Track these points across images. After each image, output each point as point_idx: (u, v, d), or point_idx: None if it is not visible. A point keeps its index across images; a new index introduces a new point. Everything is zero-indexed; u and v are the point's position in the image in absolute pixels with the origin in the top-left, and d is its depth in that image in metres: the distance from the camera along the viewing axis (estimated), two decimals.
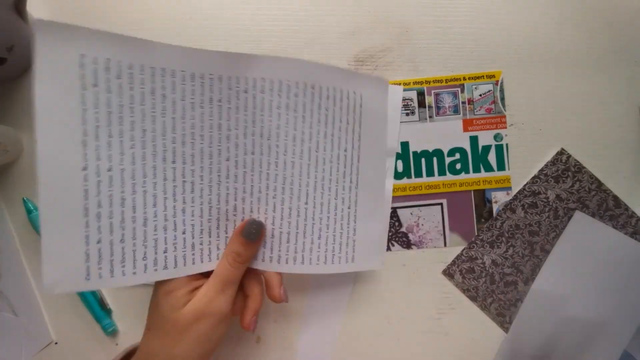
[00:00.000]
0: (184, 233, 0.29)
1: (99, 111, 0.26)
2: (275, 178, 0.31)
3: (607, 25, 0.40)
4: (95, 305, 0.37)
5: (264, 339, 0.39)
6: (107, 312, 0.38)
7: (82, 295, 0.37)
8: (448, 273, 0.39)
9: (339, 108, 0.32)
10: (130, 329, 0.38)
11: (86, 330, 0.38)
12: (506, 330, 0.39)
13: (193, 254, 0.29)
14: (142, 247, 0.28)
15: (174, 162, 0.28)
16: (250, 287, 0.31)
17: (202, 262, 0.30)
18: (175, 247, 0.29)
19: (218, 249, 0.30)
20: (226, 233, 0.31)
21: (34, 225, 0.37)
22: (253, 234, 0.30)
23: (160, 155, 0.28)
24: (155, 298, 0.29)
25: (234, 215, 0.31)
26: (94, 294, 0.37)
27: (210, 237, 0.30)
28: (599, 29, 0.40)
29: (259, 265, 0.31)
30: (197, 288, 0.29)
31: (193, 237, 0.29)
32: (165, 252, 0.28)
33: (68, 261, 0.26)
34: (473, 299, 0.39)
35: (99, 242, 0.26)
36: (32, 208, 0.37)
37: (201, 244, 0.30)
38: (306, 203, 0.32)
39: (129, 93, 0.27)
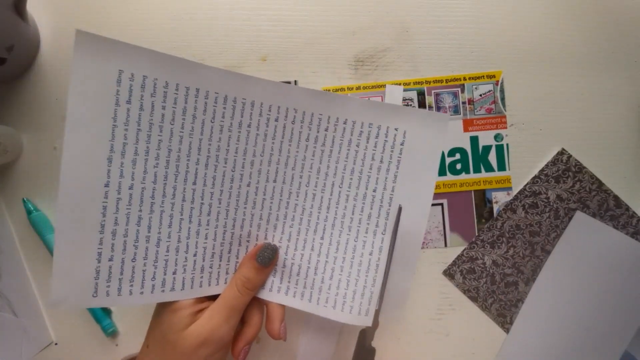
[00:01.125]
0: (195, 255, 0.29)
1: (129, 128, 0.26)
2: (294, 208, 0.31)
3: (607, 25, 0.40)
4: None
5: (264, 339, 0.39)
6: (107, 312, 0.38)
7: None
8: (448, 273, 0.39)
9: (372, 145, 0.30)
10: (130, 330, 0.38)
11: (86, 331, 0.38)
12: (507, 330, 0.39)
13: (201, 277, 0.29)
14: (152, 267, 0.27)
15: (194, 183, 0.28)
16: (250, 314, 0.30)
17: (209, 285, 0.29)
18: (184, 269, 0.28)
19: (227, 273, 0.30)
20: (237, 258, 0.30)
21: (34, 226, 0.37)
22: (267, 259, 0.29)
23: (182, 176, 0.28)
24: (158, 315, 0.28)
25: (247, 241, 0.31)
26: None
27: (220, 260, 0.30)
28: (599, 28, 0.40)
29: (266, 294, 0.31)
30: (201, 310, 0.28)
31: (203, 260, 0.29)
32: (174, 273, 0.28)
33: (78, 277, 0.25)
34: (474, 299, 0.39)
35: (110, 259, 0.26)
36: (32, 208, 0.37)
37: (211, 267, 0.29)
38: (322, 238, 0.31)
39: (161, 112, 0.26)
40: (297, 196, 0.31)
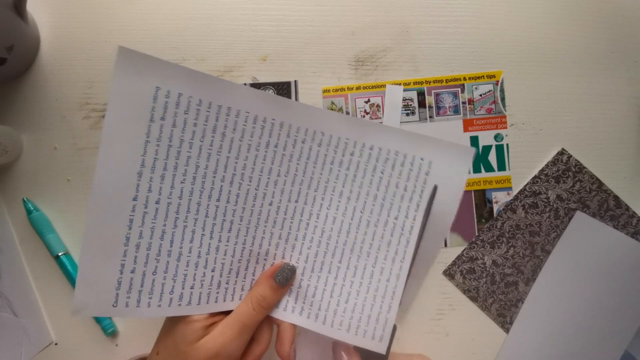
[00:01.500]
0: (212, 271, 0.29)
1: (160, 144, 0.26)
2: (313, 229, 0.31)
3: (607, 25, 0.40)
4: None
5: None
6: None
7: None
8: (448, 273, 0.39)
9: (397, 173, 0.30)
10: (130, 330, 0.38)
11: (86, 331, 0.38)
12: (507, 330, 0.39)
13: (217, 293, 0.29)
14: (171, 281, 0.28)
15: (218, 200, 0.28)
16: (260, 332, 0.30)
17: (224, 301, 0.30)
18: (202, 284, 0.29)
19: (242, 289, 0.30)
20: (253, 275, 0.31)
21: (34, 226, 0.37)
22: (285, 279, 0.30)
23: (207, 192, 0.28)
24: (170, 324, 0.29)
25: (265, 259, 0.31)
26: None
27: (237, 277, 0.30)
28: (599, 29, 0.40)
29: (279, 313, 0.31)
30: (214, 324, 0.28)
31: (221, 276, 0.29)
32: (192, 288, 0.28)
33: (100, 287, 0.26)
34: (474, 299, 0.39)
35: (132, 271, 0.27)
36: (31, 209, 0.37)
37: (227, 283, 0.30)
38: (339, 262, 0.31)
39: (192, 129, 0.27)
40: (318, 218, 0.31)
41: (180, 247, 0.28)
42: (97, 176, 0.25)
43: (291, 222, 0.31)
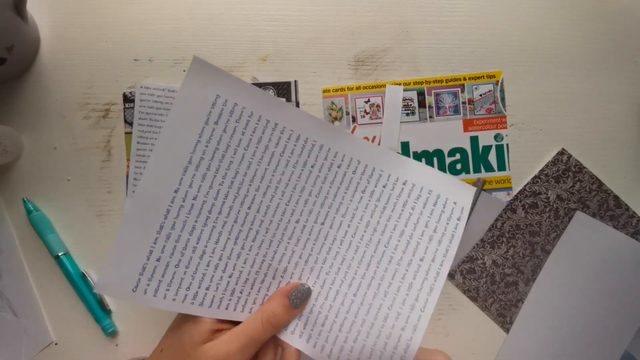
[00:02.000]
0: (230, 277, 0.29)
1: (209, 146, 0.28)
2: (335, 255, 0.31)
3: (607, 25, 0.40)
4: (95, 306, 0.37)
5: None
6: (107, 312, 0.38)
7: (82, 296, 0.37)
8: (448, 273, 0.39)
9: (428, 212, 0.30)
10: (130, 330, 0.38)
11: (86, 331, 0.38)
12: (507, 330, 0.39)
13: (230, 300, 0.29)
14: (190, 277, 0.28)
15: (249, 208, 0.29)
16: (264, 352, 0.29)
17: (235, 310, 0.30)
18: (217, 287, 0.29)
19: (254, 303, 0.30)
20: (267, 290, 0.31)
21: (34, 226, 0.37)
22: (299, 300, 0.29)
23: (240, 198, 0.29)
24: (178, 322, 0.29)
25: (282, 276, 0.31)
26: (94, 294, 0.37)
27: (251, 289, 0.30)
28: (599, 29, 0.40)
29: (287, 336, 0.30)
30: (220, 330, 0.28)
31: (236, 284, 0.29)
32: (207, 289, 0.29)
33: (126, 268, 0.27)
34: (474, 299, 0.39)
35: (158, 260, 0.27)
36: (31, 208, 0.37)
37: (241, 292, 0.30)
38: (354, 295, 0.30)
39: (239, 137, 0.29)
40: (341, 244, 0.31)
41: (205, 246, 0.28)
42: (150, 164, 0.27)
43: (314, 244, 0.31)
